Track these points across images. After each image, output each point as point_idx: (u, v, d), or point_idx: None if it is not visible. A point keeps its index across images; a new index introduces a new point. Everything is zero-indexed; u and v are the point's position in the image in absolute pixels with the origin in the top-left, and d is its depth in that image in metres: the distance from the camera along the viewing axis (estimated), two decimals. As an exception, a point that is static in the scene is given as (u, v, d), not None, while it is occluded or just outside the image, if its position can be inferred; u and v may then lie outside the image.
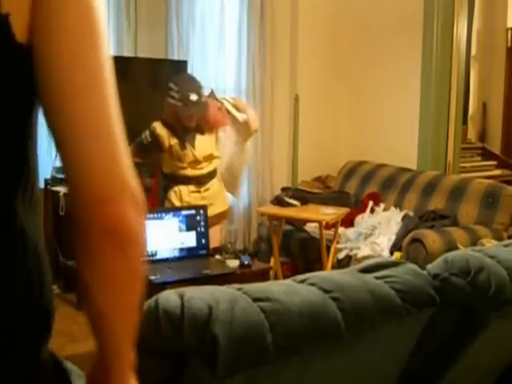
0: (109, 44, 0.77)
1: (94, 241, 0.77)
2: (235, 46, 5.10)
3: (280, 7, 5.27)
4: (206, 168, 3.70)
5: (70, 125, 0.74)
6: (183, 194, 3.65)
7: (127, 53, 4.62)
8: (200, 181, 3.70)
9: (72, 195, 0.78)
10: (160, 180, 3.81)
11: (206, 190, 3.73)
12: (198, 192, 3.69)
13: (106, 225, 0.75)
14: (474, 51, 6.57)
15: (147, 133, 3.63)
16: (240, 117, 3.80)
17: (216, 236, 3.62)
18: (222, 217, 3.80)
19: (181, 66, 4.61)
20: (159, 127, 3.61)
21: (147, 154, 3.80)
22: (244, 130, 3.86)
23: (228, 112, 3.79)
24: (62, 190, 4.21)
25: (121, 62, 4.56)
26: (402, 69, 5.04)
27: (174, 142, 3.61)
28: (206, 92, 3.60)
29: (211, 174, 3.75)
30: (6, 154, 0.77)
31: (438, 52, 4.71)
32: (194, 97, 3.45)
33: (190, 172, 3.65)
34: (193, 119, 3.55)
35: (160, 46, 4.78)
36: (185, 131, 3.60)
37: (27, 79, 0.74)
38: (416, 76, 4.86)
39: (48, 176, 4.43)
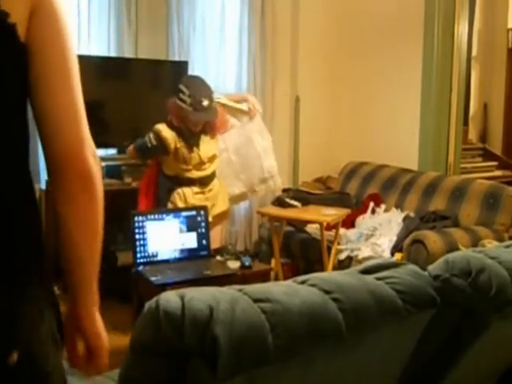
0: (75, 55, 1.10)
1: (69, 183, 1.08)
2: (236, 46, 5.11)
3: (281, 8, 5.27)
4: (209, 169, 3.71)
5: (52, 105, 1.07)
6: (187, 195, 3.64)
7: (128, 54, 4.63)
8: (203, 182, 3.70)
9: (51, 154, 1.09)
10: (162, 182, 3.79)
11: (210, 190, 3.73)
12: (202, 193, 3.69)
13: (78, 170, 1.07)
14: (474, 52, 6.57)
15: (151, 135, 3.59)
16: (245, 107, 3.81)
17: (217, 237, 3.62)
18: (223, 216, 3.80)
19: (181, 66, 4.61)
20: (165, 130, 3.57)
21: (149, 157, 3.79)
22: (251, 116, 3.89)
23: (231, 108, 3.79)
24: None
25: (121, 63, 4.58)
26: (403, 69, 5.04)
27: (181, 144, 3.59)
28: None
29: (213, 175, 3.76)
30: (19, 127, 1.09)
31: (439, 53, 4.72)
32: (205, 102, 3.43)
33: (194, 174, 3.65)
34: (200, 124, 3.54)
35: (161, 47, 4.79)
36: (191, 134, 3.59)
37: (24, 69, 1.04)
38: (417, 76, 4.86)
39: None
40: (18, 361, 0.98)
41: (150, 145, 3.62)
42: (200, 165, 3.66)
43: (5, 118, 1.04)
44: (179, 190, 3.65)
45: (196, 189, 3.67)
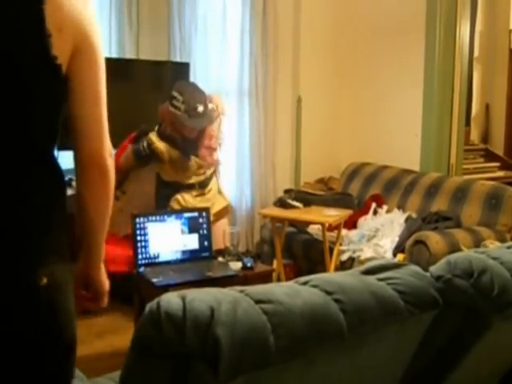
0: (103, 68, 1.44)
1: (91, 173, 1.47)
2: (237, 47, 5.11)
3: (282, 9, 5.27)
4: (208, 171, 3.71)
5: (84, 118, 1.44)
6: (187, 200, 3.64)
7: (129, 55, 4.63)
8: (203, 184, 3.70)
9: (80, 152, 1.47)
10: (160, 189, 3.77)
11: (209, 191, 3.73)
12: (203, 194, 3.69)
13: (97, 165, 1.45)
14: (476, 53, 6.58)
15: (145, 144, 3.58)
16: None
17: (219, 236, 3.61)
18: (223, 212, 3.78)
19: (183, 67, 4.61)
20: (157, 141, 3.55)
21: (145, 163, 3.79)
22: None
23: None
24: (69, 191, 4.20)
25: (123, 64, 4.58)
26: (405, 70, 5.04)
27: (176, 154, 3.56)
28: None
29: (211, 176, 3.76)
30: (53, 122, 1.47)
31: (441, 54, 4.72)
32: (200, 108, 3.40)
33: (193, 179, 3.65)
34: (195, 131, 3.52)
35: (162, 48, 4.79)
36: (185, 141, 3.56)
37: (61, 93, 1.40)
38: (419, 77, 4.86)
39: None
40: (47, 283, 1.34)
41: (143, 152, 3.62)
42: (199, 169, 3.65)
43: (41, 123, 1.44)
44: (178, 196, 3.64)
45: (195, 192, 3.67)
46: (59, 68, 1.34)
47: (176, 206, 3.65)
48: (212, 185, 3.74)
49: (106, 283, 1.58)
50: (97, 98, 1.42)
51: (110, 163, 1.47)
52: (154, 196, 3.80)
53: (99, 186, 1.49)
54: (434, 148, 4.84)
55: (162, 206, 3.71)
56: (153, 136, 3.56)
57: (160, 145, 3.55)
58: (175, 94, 3.41)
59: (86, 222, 1.54)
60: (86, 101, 1.42)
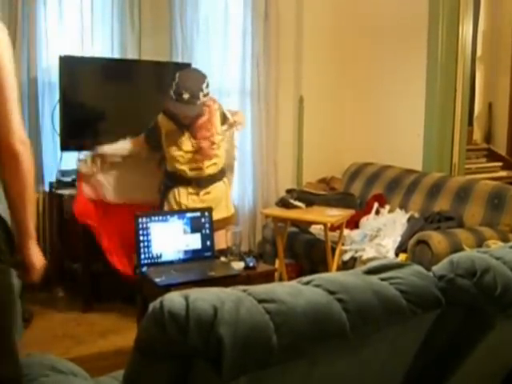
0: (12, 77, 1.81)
1: (7, 160, 1.74)
2: (239, 48, 5.11)
3: (284, 9, 5.28)
4: (206, 170, 3.68)
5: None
6: (181, 195, 3.65)
7: (131, 55, 4.64)
8: (200, 183, 3.68)
9: None
10: (164, 180, 3.81)
11: (206, 193, 3.70)
12: (197, 195, 3.67)
13: (7, 151, 1.73)
14: (479, 52, 6.57)
15: (153, 122, 3.71)
16: (230, 117, 3.80)
17: (221, 241, 3.61)
18: (225, 222, 3.75)
19: (185, 68, 4.61)
20: (160, 116, 3.67)
21: (153, 142, 3.80)
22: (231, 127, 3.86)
23: (221, 112, 3.78)
24: (66, 193, 4.21)
25: (125, 65, 4.59)
26: (407, 70, 5.04)
27: (172, 127, 3.61)
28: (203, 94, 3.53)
29: (213, 177, 3.72)
30: None
31: (444, 53, 4.71)
32: (185, 95, 3.43)
33: (189, 173, 3.64)
34: (186, 117, 3.55)
35: (164, 49, 4.80)
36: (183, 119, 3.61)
37: None
38: (421, 77, 4.86)
39: (53, 179, 4.44)
40: None
41: (150, 128, 3.72)
42: (195, 160, 3.64)
43: None
44: (175, 190, 3.66)
45: (191, 189, 3.67)
46: None
47: (171, 199, 3.67)
48: (212, 189, 3.72)
49: (36, 259, 1.87)
50: (2, 97, 1.76)
51: (21, 149, 1.75)
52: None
53: (12, 169, 1.75)
54: (437, 148, 4.84)
55: (162, 198, 3.75)
56: (160, 114, 3.69)
57: (161, 118, 3.66)
58: (176, 75, 3.50)
59: (10, 201, 1.78)
60: None
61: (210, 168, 3.68)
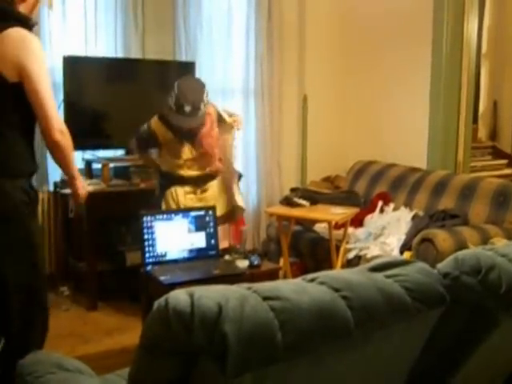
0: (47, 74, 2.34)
1: (49, 146, 2.41)
2: (243, 46, 5.12)
3: (288, 8, 5.28)
4: (204, 169, 3.68)
5: (34, 105, 2.30)
6: (179, 194, 3.64)
7: (135, 55, 4.65)
8: (197, 182, 3.68)
9: (41, 129, 2.37)
10: (159, 179, 3.81)
11: (204, 191, 3.70)
12: (194, 193, 3.67)
13: (48, 138, 2.36)
14: (484, 49, 6.55)
15: (145, 126, 3.65)
16: (229, 119, 3.80)
17: (223, 240, 3.62)
18: (221, 220, 3.75)
19: (188, 67, 4.63)
20: (154, 122, 3.61)
21: (147, 148, 3.81)
22: (229, 129, 3.84)
23: (219, 115, 3.77)
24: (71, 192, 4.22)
25: (129, 64, 4.60)
26: (412, 67, 5.03)
27: (170, 136, 3.59)
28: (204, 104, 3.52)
29: (209, 176, 3.74)
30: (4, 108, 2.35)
31: (448, 50, 4.70)
32: (187, 108, 3.39)
33: (187, 172, 3.64)
34: (188, 129, 3.54)
35: (168, 48, 4.81)
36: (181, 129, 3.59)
37: (18, 92, 2.31)
38: (426, 74, 4.85)
39: (57, 179, 4.45)
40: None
41: (144, 135, 3.67)
42: (193, 162, 3.64)
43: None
44: (172, 189, 3.66)
45: (188, 188, 3.66)
46: (4, 79, 2.27)
47: (169, 199, 3.67)
48: (209, 187, 3.73)
49: (79, 190, 2.62)
50: (40, 92, 2.26)
51: (59, 137, 2.33)
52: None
53: (54, 152, 2.42)
54: (441, 146, 4.83)
55: (159, 198, 3.74)
56: (153, 119, 3.61)
57: (156, 126, 3.61)
58: (175, 85, 3.46)
59: (57, 163, 2.54)
60: (33, 95, 2.28)
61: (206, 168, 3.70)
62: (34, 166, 2.49)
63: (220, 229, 3.50)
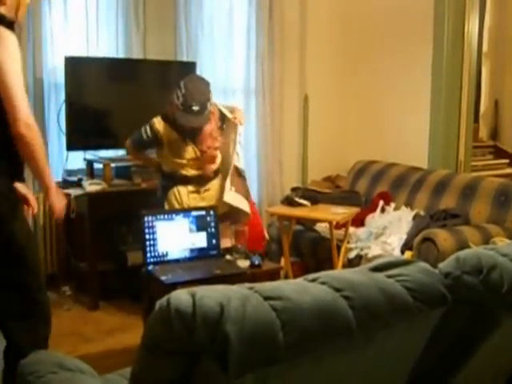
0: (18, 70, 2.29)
1: (16, 140, 2.24)
2: (244, 46, 5.12)
3: (289, 7, 5.28)
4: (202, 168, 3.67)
5: (5, 94, 2.21)
6: (182, 194, 3.63)
7: (136, 55, 4.65)
8: (199, 181, 3.67)
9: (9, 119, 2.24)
10: (160, 180, 3.80)
11: (206, 190, 3.70)
12: (197, 192, 3.66)
13: (17, 135, 2.23)
14: (485, 48, 6.54)
15: (147, 127, 3.62)
16: (230, 115, 3.77)
17: (225, 240, 3.61)
18: (224, 217, 3.74)
19: (190, 67, 4.62)
20: (158, 122, 3.60)
21: (145, 150, 3.80)
22: (233, 126, 3.81)
23: (220, 112, 3.75)
24: (73, 192, 4.22)
25: (130, 64, 4.60)
26: (413, 67, 5.03)
27: (174, 137, 3.58)
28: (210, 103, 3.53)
29: (213, 175, 3.73)
30: None
31: (449, 49, 4.70)
32: (196, 107, 3.39)
33: (189, 172, 3.64)
34: (195, 128, 3.53)
35: (169, 48, 4.81)
36: (185, 129, 3.57)
37: None
38: (427, 74, 4.85)
39: (59, 179, 4.45)
40: None
41: (145, 136, 3.65)
42: (195, 162, 3.64)
43: None
44: (175, 189, 3.64)
45: (191, 188, 3.65)
46: None
47: (172, 199, 3.65)
48: (211, 186, 3.72)
49: (55, 202, 2.45)
50: (5, 85, 2.21)
51: (24, 130, 2.22)
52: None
53: (21, 147, 2.27)
54: (442, 145, 4.83)
55: (160, 198, 3.72)
56: (155, 119, 3.61)
57: (160, 126, 3.59)
58: (181, 84, 3.45)
59: (28, 166, 2.38)
60: (1, 93, 2.23)
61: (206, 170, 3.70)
62: (14, 168, 2.37)
63: (221, 227, 3.48)
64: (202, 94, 3.45)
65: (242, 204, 3.83)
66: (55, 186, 2.46)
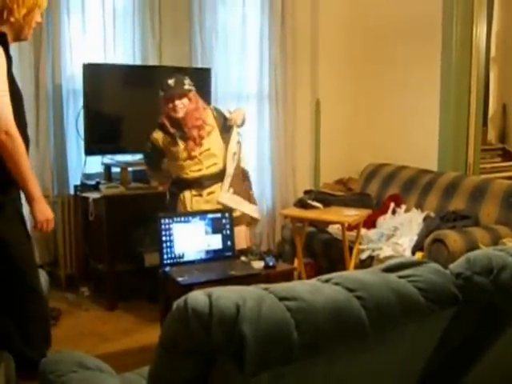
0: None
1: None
2: (257, 53, 5.13)
3: (300, 14, 5.28)
4: (207, 170, 3.65)
5: None
6: (187, 198, 3.63)
7: (152, 62, 4.67)
8: (201, 183, 3.64)
9: None
10: (169, 187, 3.80)
11: (210, 193, 3.66)
12: (200, 195, 3.64)
13: None
14: (493, 53, 6.50)
15: (148, 142, 3.72)
16: (227, 114, 3.75)
17: (240, 241, 3.60)
18: (238, 220, 3.71)
19: (204, 73, 4.64)
20: (155, 133, 3.68)
21: (153, 162, 3.83)
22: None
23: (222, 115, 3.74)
24: (91, 195, 4.25)
25: (146, 71, 4.62)
26: (422, 72, 5.01)
27: (167, 140, 3.62)
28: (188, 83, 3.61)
29: (214, 176, 3.66)
30: None
31: (458, 54, 4.68)
32: (171, 81, 3.52)
33: (188, 175, 3.63)
34: (176, 108, 3.53)
35: (184, 55, 4.83)
36: (177, 126, 3.59)
37: None
38: (436, 78, 4.83)
39: (78, 182, 4.47)
40: None
41: (149, 150, 3.72)
42: (193, 163, 3.62)
43: None
44: (181, 195, 3.65)
45: (194, 191, 3.65)
46: None
47: (180, 205, 3.65)
48: (215, 188, 3.68)
49: (38, 214, 2.39)
50: None
51: (3, 138, 2.22)
52: None
53: (4, 152, 2.26)
54: (452, 148, 4.81)
55: (170, 204, 3.73)
56: (154, 131, 3.70)
57: (157, 135, 3.67)
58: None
59: (11, 172, 2.31)
60: None
61: (210, 168, 3.65)
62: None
63: (236, 230, 3.47)
64: (175, 75, 3.62)
65: (243, 206, 3.76)
66: (40, 197, 2.40)
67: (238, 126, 3.73)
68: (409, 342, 1.40)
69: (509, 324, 1.55)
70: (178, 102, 3.55)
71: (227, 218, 3.38)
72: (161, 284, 3.25)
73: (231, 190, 3.68)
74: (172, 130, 3.60)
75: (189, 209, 3.61)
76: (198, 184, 3.64)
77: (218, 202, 3.65)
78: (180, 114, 3.55)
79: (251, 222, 3.85)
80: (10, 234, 2.35)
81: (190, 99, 3.59)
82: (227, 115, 3.71)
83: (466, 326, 1.56)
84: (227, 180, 3.67)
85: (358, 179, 5.28)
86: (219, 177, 3.68)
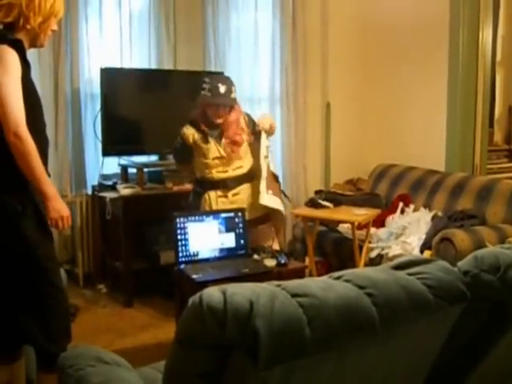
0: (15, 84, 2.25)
1: (10, 145, 2.21)
2: (269, 57, 5.13)
3: (311, 19, 5.28)
4: (232, 172, 3.63)
5: None
6: (212, 199, 3.57)
7: (167, 66, 4.68)
8: (227, 184, 3.60)
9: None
10: (193, 186, 3.77)
11: (235, 194, 3.63)
12: (225, 197, 3.60)
13: (9, 143, 2.20)
14: (499, 57, 6.46)
15: (178, 136, 3.63)
16: (255, 120, 3.72)
17: (267, 237, 3.59)
18: (258, 222, 3.70)
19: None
20: (186, 128, 3.59)
21: (182, 158, 3.78)
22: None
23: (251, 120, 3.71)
24: (108, 195, 4.26)
25: (161, 75, 4.63)
26: (429, 74, 4.99)
27: (198, 136, 3.56)
28: (234, 95, 3.51)
29: (240, 178, 3.64)
30: None
31: (464, 58, 4.66)
32: (222, 89, 3.41)
33: (215, 175, 3.59)
34: (219, 114, 3.49)
35: (198, 59, 4.84)
36: (211, 126, 3.54)
37: None
38: (443, 81, 4.81)
39: (95, 183, 4.50)
40: None
41: (178, 145, 3.65)
42: (221, 163, 3.59)
43: None
44: (206, 195, 3.60)
45: (219, 192, 3.60)
46: None
47: (204, 205, 3.59)
48: (240, 190, 3.65)
49: (53, 213, 2.33)
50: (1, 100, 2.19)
51: (13, 140, 2.19)
52: None
53: (15, 153, 2.22)
54: (459, 149, 4.78)
55: (192, 204, 3.70)
56: (184, 127, 3.62)
57: (188, 131, 3.58)
58: (205, 79, 3.50)
59: (26, 174, 2.27)
60: None
61: (235, 170, 3.63)
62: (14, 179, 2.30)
63: (262, 229, 3.46)
64: (225, 80, 3.51)
65: (281, 206, 3.73)
66: (54, 195, 2.33)
67: (266, 131, 3.69)
68: (418, 338, 1.39)
69: (516, 321, 1.54)
70: (222, 111, 3.50)
71: (240, 218, 3.38)
72: (176, 281, 3.25)
73: (270, 191, 3.66)
74: (204, 128, 3.55)
75: (214, 209, 3.58)
76: (224, 185, 3.61)
77: (261, 205, 3.59)
78: (220, 121, 3.52)
79: (283, 219, 3.84)
80: (32, 232, 2.33)
81: (234, 109, 3.54)
82: (255, 120, 3.70)
83: (474, 323, 1.55)
84: (263, 183, 3.63)
85: (368, 179, 5.26)
86: (244, 179, 3.65)
